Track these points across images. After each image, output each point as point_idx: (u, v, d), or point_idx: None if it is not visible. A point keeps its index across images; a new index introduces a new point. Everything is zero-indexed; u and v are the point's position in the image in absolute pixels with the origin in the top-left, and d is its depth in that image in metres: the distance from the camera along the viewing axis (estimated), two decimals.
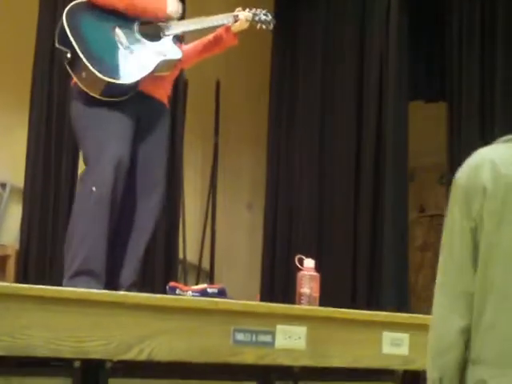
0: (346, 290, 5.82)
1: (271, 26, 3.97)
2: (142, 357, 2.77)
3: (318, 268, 3.62)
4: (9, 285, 2.69)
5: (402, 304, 5.43)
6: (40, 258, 5.43)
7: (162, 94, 3.78)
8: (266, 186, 6.65)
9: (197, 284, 6.17)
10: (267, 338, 3.04)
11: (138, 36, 3.67)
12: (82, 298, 2.71)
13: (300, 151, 6.46)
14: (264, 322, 3.05)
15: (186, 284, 5.75)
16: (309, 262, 3.56)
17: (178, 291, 3.47)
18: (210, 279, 6.65)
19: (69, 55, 3.52)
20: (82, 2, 3.68)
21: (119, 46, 3.62)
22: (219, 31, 3.88)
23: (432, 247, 6.90)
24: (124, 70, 3.56)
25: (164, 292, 3.58)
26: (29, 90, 5.49)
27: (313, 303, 3.47)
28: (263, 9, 3.97)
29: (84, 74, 3.50)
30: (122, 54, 3.60)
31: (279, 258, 6.37)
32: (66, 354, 2.63)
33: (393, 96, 5.84)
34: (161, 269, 5.90)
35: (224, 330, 2.96)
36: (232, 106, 7.14)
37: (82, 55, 3.49)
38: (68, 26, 3.55)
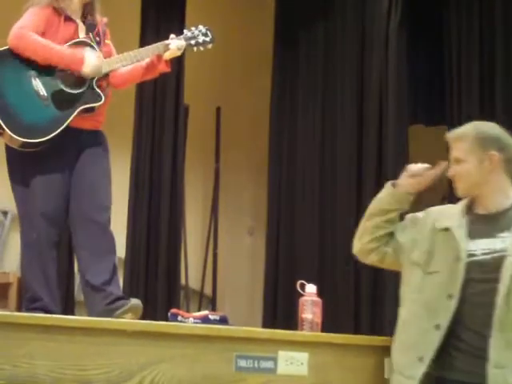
0: (349, 314, 5.80)
1: (210, 46, 3.97)
2: None
3: (319, 293, 3.61)
4: (10, 314, 2.70)
5: None
6: None
7: (92, 123, 3.77)
8: (268, 211, 6.64)
9: (199, 310, 6.17)
10: (269, 364, 3.04)
11: (59, 84, 3.63)
12: (84, 326, 2.72)
13: (301, 176, 6.46)
14: (266, 348, 3.04)
15: (188, 310, 5.76)
16: (311, 288, 3.55)
17: (179, 318, 3.47)
18: (212, 305, 6.64)
19: None
20: (3, 52, 3.63)
21: (37, 98, 3.59)
22: (152, 58, 3.87)
23: None
24: (39, 127, 3.54)
25: (166, 319, 3.57)
26: None
27: (315, 329, 3.45)
28: (204, 26, 3.96)
29: (1, 129, 3.53)
30: (38, 108, 3.58)
31: (281, 282, 6.35)
32: (69, 382, 2.64)
33: (393, 120, 5.85)
34: (163, 295, 5.90)
35: (226, 356, 2.95)
36: (233, 132, 7.16)
37: None
38: None
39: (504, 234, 2.91)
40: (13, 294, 5.67)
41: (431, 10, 6.22)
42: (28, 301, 3.62)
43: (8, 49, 3.62)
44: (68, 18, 3.73)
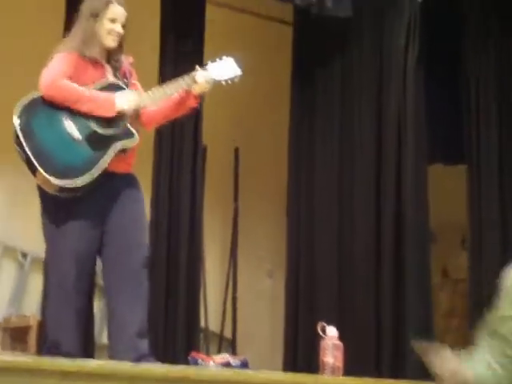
0: (370, 358, 5.72)
1: (236, 79, 3.94)
2: None
3: (340, 336, 3.57)
4: (30, 360, 2.67)
5: (427, 372, 5.33)
6: None
7: (125, 166, 3.78)
8: (287, 253, 6.60)
9: (219, 353, 6.13)
10: None
11: (92, 125, 3.65)
12: (105, 372, 2.69)
13: (320, 217, 6.42)
14: None
15: (207, 353, 5.72)
16: (331, 330, 3.53)
17: (200, 361, 3.46)
18: (232, 348, 6.60)
19: (24, 155, 3.56)
20: (35, 98, 3.69)
21: (70, 140, 3.61)
22: (181, 94, 3.87)
23: (457, 313, 6.80)
24: (74, 168, 3.55)
25: (186, 361, 3.56)
26: None
27: (336, 373, 3.42)
28: (228, 56, 3.95)
29: (38, 174, 3.55)
30: (72, 150, 3.59)
31: (302, 325, 6.28)
32: None
33: (411, 160, 5.83)
34: (182, 337, 5.85)
35: None
36: (251, 172, 7.16)
37: (32, 158, 3.53)
38: (20, 125, 3.59)
39: None
40: (32, 337, 5.65)
41: (449, 45, 6.23)
42: (49, 345, 3.59)
43: (41, 96, 3.66)
44: (94, 61, 3.76)
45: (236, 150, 6.97)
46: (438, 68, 6.34)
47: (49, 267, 3.71)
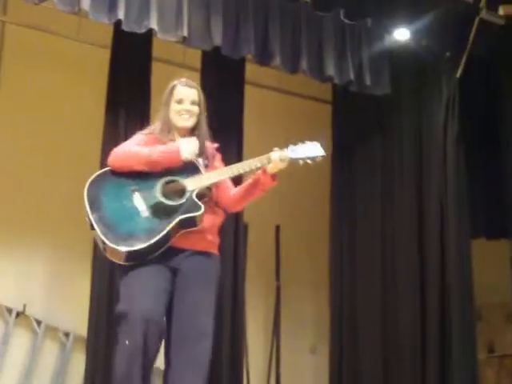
0: None
1: (319, 159, 3.89)
2: None
3: None
4: None
5: None
6: None
7: (197, 244, 3.74)
8: (330, 329, 6.55)
9: None
10: None
11: (159, 196, 3.68)
12: None
13: (362, 292, 6.40)
14: None
15: None
16: None
17: None
18: None
19: (90, 226, 3.62)
20: (105, 171, 3.78)
21: (135, 210, 3.65)
22: (257, 174, 3.86)
23: None
24: (136, 237, 3.58)
25: None
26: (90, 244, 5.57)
27: None
28: (313, 141, 3.91)
29: (101, 244, 3.60)
30: (136, 219, 3.63)
31: None
32: None
33: (454, 235, 5.81)
34: None
35: None
36: (292, 249, 7.16)
37: (96, 225, 3.59)
38: (87, 197, 3.66)
39: None
40: None
41: (487, 123, 6.26)
42: None
43: (109, 169, 3.77)
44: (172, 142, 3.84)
45: (277, 228, 6.98)
46: (476, 143, 6.35)
47: (118, 333, 3.63)
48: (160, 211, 3.65)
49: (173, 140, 3.82)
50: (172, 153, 3.73)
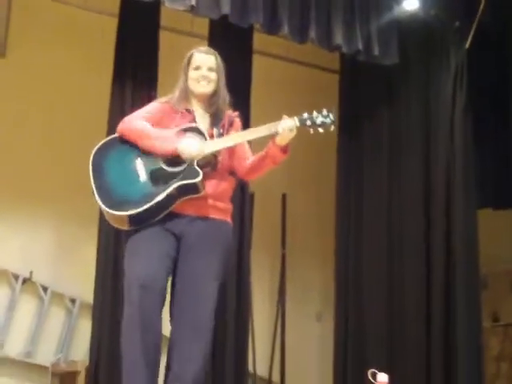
0: None
1: (331, 128, 3.76)
2: None
3: (391, 379, 3.54)
4: None
5: None
6: (110, 374, 5.42)
7: (202, 210, 3.71)
8: (336, 297, 6.58)
9: None
10: None
11: (160, 162, 3.68)
12: None
13: (369, 260, 6.41)
14: None
15: None
16: (382, 377, 3.49)
17: None
18: None
19: (92, 191, 3.64)
20: (112, 137, 3.79)
21: (134, 175, 3.67)
22: (268, 145, 3.76)
23: (508, 358, 6.71)
24: (130, 201, 3.59)
25: None
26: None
27: None
28: (325, 109, 3.77)
29: (105, 212, 3.62)
30: (133, 184, 3.64)
31: (351, 369, 6.24)
32: None
33: (461, 205, 5.81)
34: (230, 382, 5.83)
35: None
36: (298, 218, 7.17)
37: (94, 190, 3.61)
38: (92, 163, 3.69)
39: None
40: (81, 382, 5.68)
41: (496, 92, 6.23)
42: None
43: (118, 136, 3.78)
44: (187, 111, 3.81)
45: (283, 196, 6.99)
46: (486, 113, 6.33)
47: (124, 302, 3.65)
48: (159, 177, 3.65)
49: (188, 110, 3.81)
50: (168, 152, 3.69)
